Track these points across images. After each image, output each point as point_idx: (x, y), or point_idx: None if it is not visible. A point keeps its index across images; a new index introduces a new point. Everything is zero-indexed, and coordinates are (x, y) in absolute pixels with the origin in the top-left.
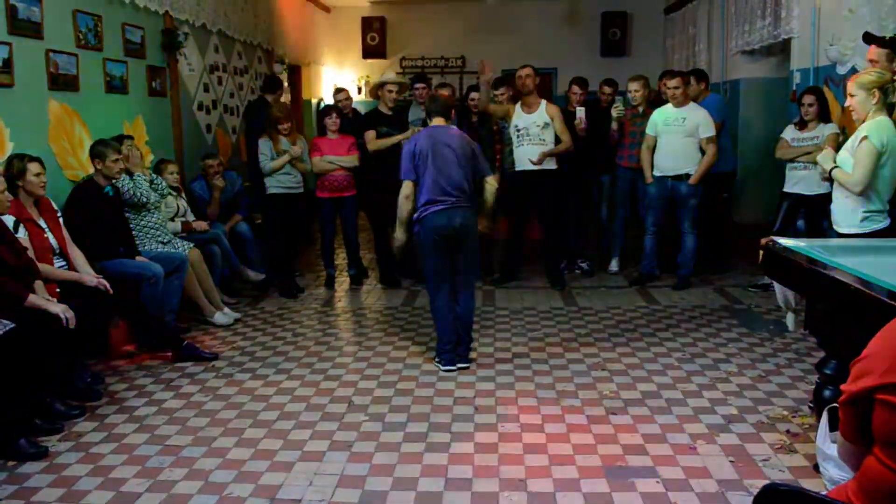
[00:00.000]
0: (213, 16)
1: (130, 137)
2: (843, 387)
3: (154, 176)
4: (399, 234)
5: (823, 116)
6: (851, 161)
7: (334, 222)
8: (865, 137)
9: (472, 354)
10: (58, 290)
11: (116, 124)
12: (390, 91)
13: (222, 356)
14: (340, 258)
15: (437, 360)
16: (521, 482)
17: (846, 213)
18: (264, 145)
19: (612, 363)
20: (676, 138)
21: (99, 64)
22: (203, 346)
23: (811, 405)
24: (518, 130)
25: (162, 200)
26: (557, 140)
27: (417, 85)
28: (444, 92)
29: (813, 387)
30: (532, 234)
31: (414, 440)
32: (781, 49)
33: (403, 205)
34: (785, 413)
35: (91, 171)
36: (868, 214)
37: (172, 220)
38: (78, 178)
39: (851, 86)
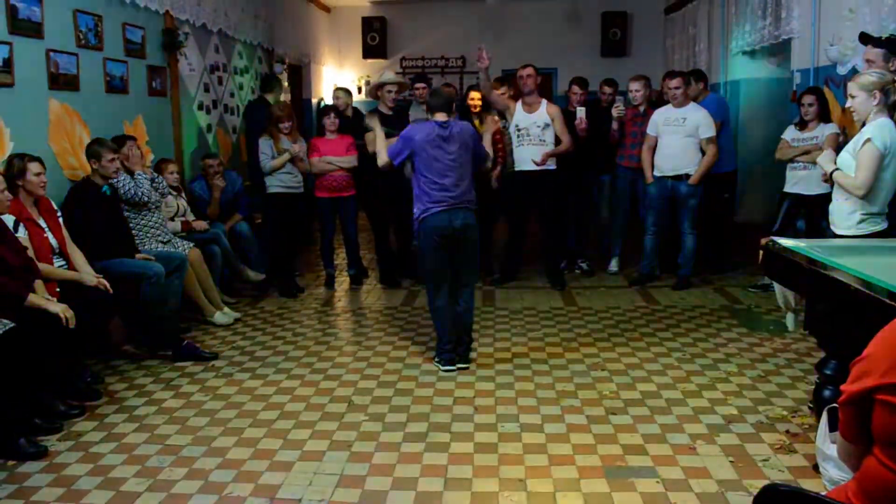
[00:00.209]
0: (213, 15)
1: (133, 138)
2: (842, 387)
3: (155, 175)
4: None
5: (824, 117)
6: (853, 163)
7: (333, 222)
8: (868, 140)
9: (472, 354)
10: (58, 289)
11: (117, 124)
12: (389, 91)
13: (222, 356)
14: (340, 258)
15: (436, 360)
16: (521, 482)
17: (844, 215)
18: (265, 144)
19: (612, 363)
20: (677, 138)
21: (99, 64)
22: (203, 345)
23: (811, 405)
24: (518, 130)
25: (162, 200)
26: (558, 140)
27: (418, 85)
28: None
29: (813, 387)
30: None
31: (414, 440)
32: (782, 49)
33: (380, 157)
34: (785, 413)
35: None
36: (866, 216)
37: (172, 219)
38: (78, 177)
39: (852, 87)
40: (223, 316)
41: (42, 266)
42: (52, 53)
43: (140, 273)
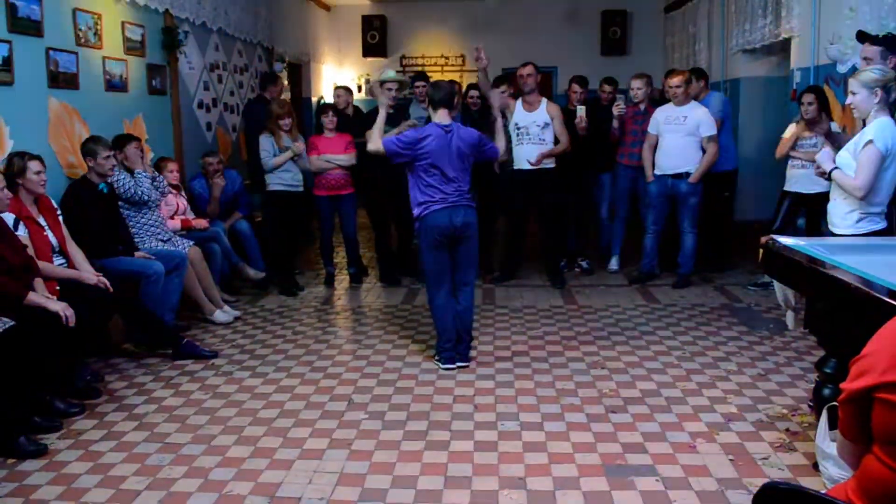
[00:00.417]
0: (213, 14)
1: (137, 139)
2: (842, 385)
3: (156, 174)
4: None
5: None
6: (853, 163)
7: (332, 220)
8: (870, 142)
9: (472, 353)
10: (57, 288)
11: (116, 123)
12: (389, 89)
13: (222, 354)
14: (340, 256)
15: (436, 358)
16: (521, 480)
17: (842, 214)
18: (266, 141)
19: (612, 361)
20: (677, 137)
21: (99, 62)
22: (203, 344)
23: (811, 404)
24: (518, 129)
25: (162, 199)
26: (557, 140)
27: (418, 83)
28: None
29: (812, 385)
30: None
31: (413, 438)
32: (782, 48)
33: (371, 142)
34: (784, 411)
35: None
36: (864, 215)
37: (172, 218)
38: (78, 176)
39: (853, 83)
40: (223, 314)
41: (42, 264)
42: (51, 52)
43: (140, 271)
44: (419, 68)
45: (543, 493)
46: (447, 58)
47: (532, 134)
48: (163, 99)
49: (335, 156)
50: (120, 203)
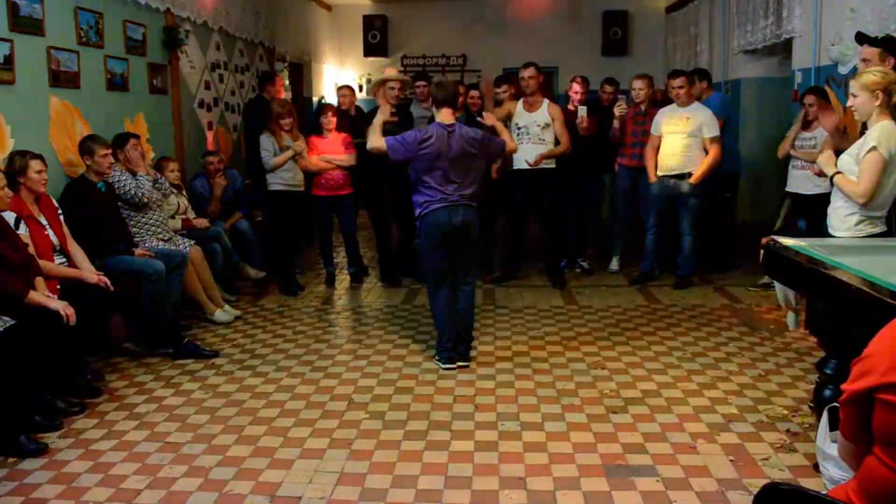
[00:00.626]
0: (214, 13)
1: (136, 136)
2: (843, 386)
3: (158, 176)
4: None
5: None
6: (855, 167)
7: (331, 220)
8: (874, 148)
9: (472, 353)
10: (58, 286)
11: (117, 122)
12: (392, 89)
13: (222, 353)
14: (341, 256)
15: (437, 358)
16: (521, 480)
17: (842, 217)
18: (266, 141)
19: (612, 362)
20: (680, 138)
21: (100, 61)
22: (203, 343)
23: (811, 404)
24: (518, 129)
25: (164, 200)
26: (557, 141)
27: (418, 83)
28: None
29: (813, 386)
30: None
31: (414, 438)
32: (783, 48)
33: (371, 141)
34: (785, 412)
35: None
36: (864, 218)
37: (173, 217)
38: (78, 174)
39: (854, 86)
40: (223, 314)
41: (43, 263)
42: (52, 51)
43: (140, 271)
44: (420, 68)
45: (544, 493)
46: (448, 57)
47: (532, 134)
48: (164, 98)
49: (335, 156)
50: (119, 203)
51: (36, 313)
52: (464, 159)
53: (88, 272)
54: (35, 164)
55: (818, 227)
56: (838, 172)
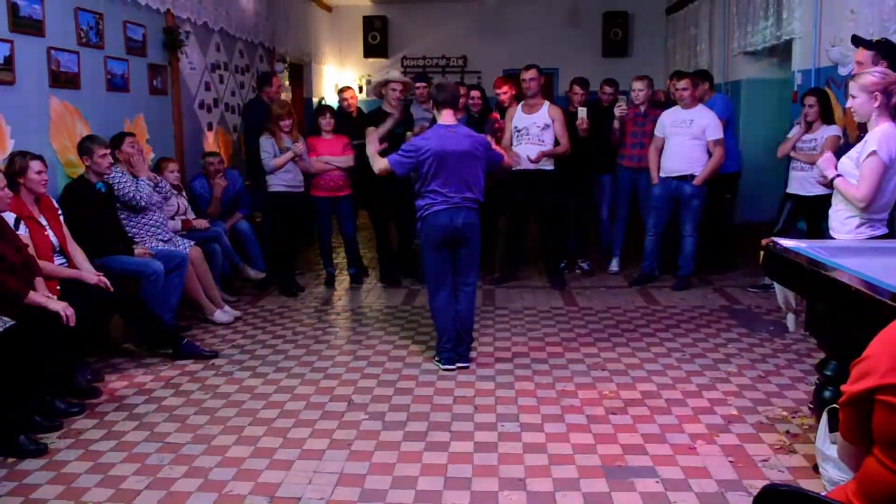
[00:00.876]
0: (214, 14)
1: (132, 134)
2: (843, 388)
3: (159, 179)
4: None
5: (825, 118)
6: (855, 172)
7: (330, 221)
8: (874, 153)
9: (472, 354)
10: (58, 287)
11: (117, 122)
12: (394, 90)
13: (222, 354)
14: (341, 257)
15: (436, 359)
16: (521, 481)
17: (843, 220)
18: (266, 142)
19: (612, 363)
20: (683, 140)
21: (100, 62)
22: (203, 344)
23: (811, 406)
24: (518, 131)
25: (165, 202)
26: (557, 142)
27: (418, 84)
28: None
29: (813, 388)
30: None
31: (413, 439)
32: (783, 50)
33: (376, 165)
34: (785, 414)
35: None
36: (865, 221)
37: (173, 218)
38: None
39: (853, 87)
40: (223, 314)
41: (43, 264)
42: (53, 51)
43: (140, 271)
44: (420, 69)
45: (543, 494)
46: (448, 59)
47: (531, 134)
48: (164, 99)
49: (334, 157)
50: (117, 205)
51: (36, 314)
52: (468, 158)
53: (88, 273)
54: (35, 165)
55: (818, 229)
56: (839, 175)
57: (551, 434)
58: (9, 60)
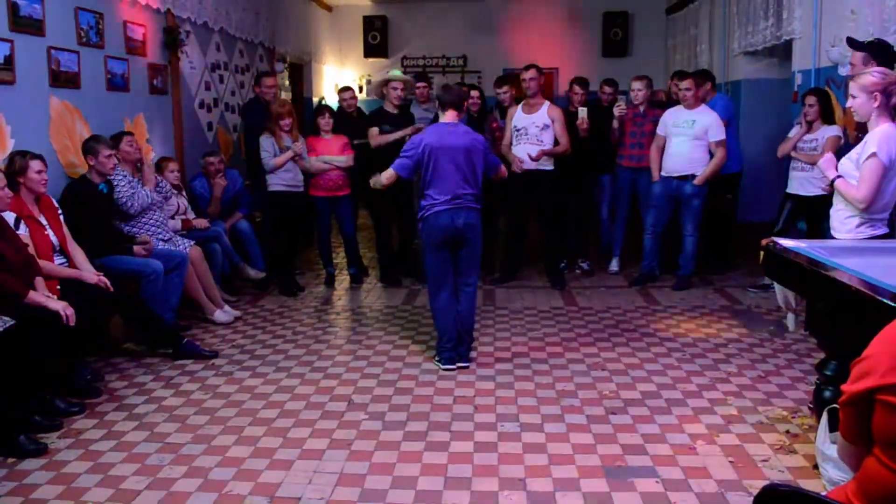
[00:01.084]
0: (214, 14)
1: (130, 134)
2: (843, 387)
3: (160, 180)
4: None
5: (826, 118)
6: (855, 173)
7: (329, 221)
8: (874, 154)
9: (472, 353)
10: (58, 287)
11: (117, 122)
12: (395, 89)
13: (222, 354)
14: (341, 257)
15: (436, 359)
16: (521, 481)
17: (843, 219)
18: (266, 142)
19: (612, 363)
20: (685, 140)
21: (100, 61)
22: (203, 343)
23: (811, 406)
24: (517, 130)
25: (165, 202)
26: (557, 142)
27: (418, 84)
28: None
29: (813, 387)
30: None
31: (414, 439)
32: (783, 50)
33: (382, 180)
34: (785, 413)
35: None
36: (865, 220)
37: (173, 217)
38: (78, 175)
39: (853, 87)
40: (223, 314)
41: (43, 263)
42: (53, 51)
43: (140, 271)
44: (420, 69)
45: (543, 494)
46: (448, 58)
47: (530, 134)
48: (164, 98)
49: (333, 157)
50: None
51: (36, 313)
52: (467, 153)
53: (88, 273)
54: (35, 165)
55: (819, 229)
56: (839, 176)
57: (551, 434)
58: (9, 60)
